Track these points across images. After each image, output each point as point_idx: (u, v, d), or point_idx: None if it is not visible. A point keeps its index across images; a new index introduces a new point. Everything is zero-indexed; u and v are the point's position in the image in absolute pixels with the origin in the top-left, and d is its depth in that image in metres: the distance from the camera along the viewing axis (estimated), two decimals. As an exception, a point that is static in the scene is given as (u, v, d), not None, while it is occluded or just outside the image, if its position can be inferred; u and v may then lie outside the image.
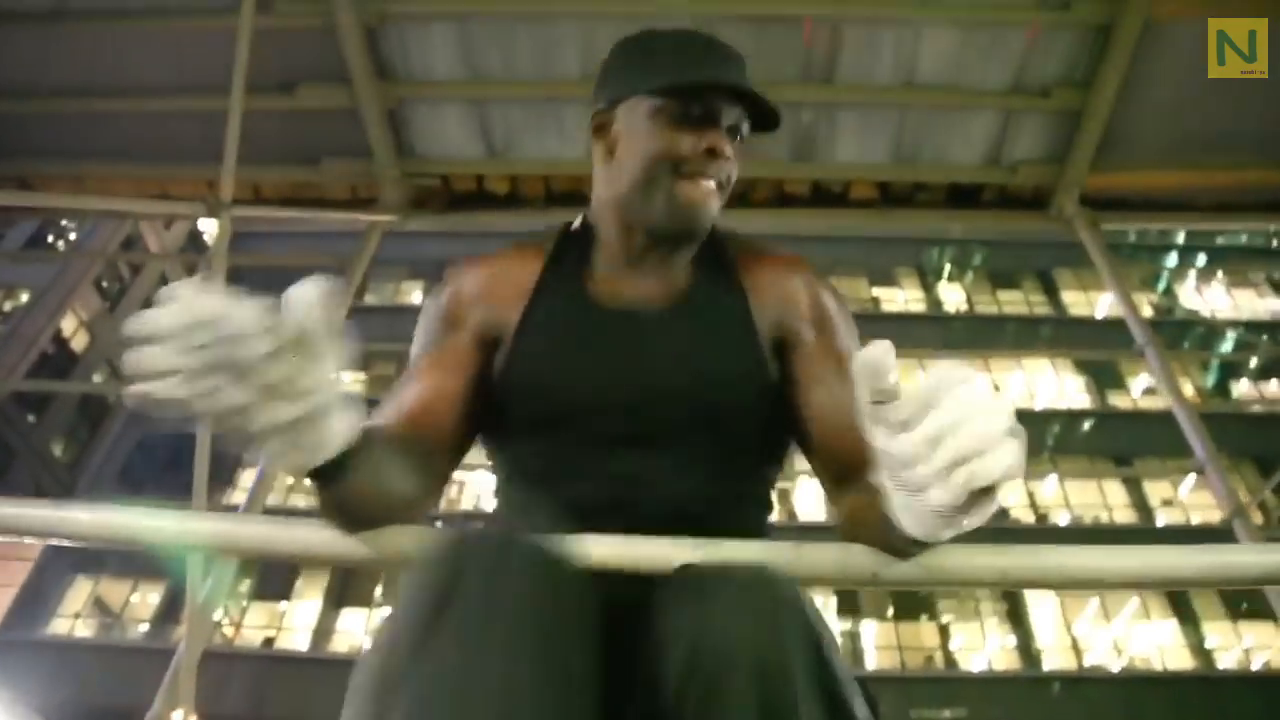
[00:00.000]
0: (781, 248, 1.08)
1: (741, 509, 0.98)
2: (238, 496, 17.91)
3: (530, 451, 0.97)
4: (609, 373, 0.94)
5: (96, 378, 20.41)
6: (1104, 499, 18.12)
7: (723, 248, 1.04)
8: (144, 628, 16.76)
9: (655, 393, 0.92)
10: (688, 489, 0.91)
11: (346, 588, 16.71)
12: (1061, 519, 18.06)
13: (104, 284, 21.41)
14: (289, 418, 0.65)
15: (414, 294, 20.04)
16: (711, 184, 0.96)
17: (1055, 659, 16.44)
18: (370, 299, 19.27)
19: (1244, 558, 0.93)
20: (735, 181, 0.99)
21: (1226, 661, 15.53)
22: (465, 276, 1.04)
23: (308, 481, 0.76)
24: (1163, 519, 17.91)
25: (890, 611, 17.19)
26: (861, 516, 0.82)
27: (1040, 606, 17.09)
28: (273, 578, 16.34)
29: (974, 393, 0.63)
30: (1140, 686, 15.31)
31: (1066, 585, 0.84)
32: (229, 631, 17.05)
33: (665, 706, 0.68)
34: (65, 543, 0.95)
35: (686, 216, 0.96)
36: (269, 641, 16.93)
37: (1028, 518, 18.17)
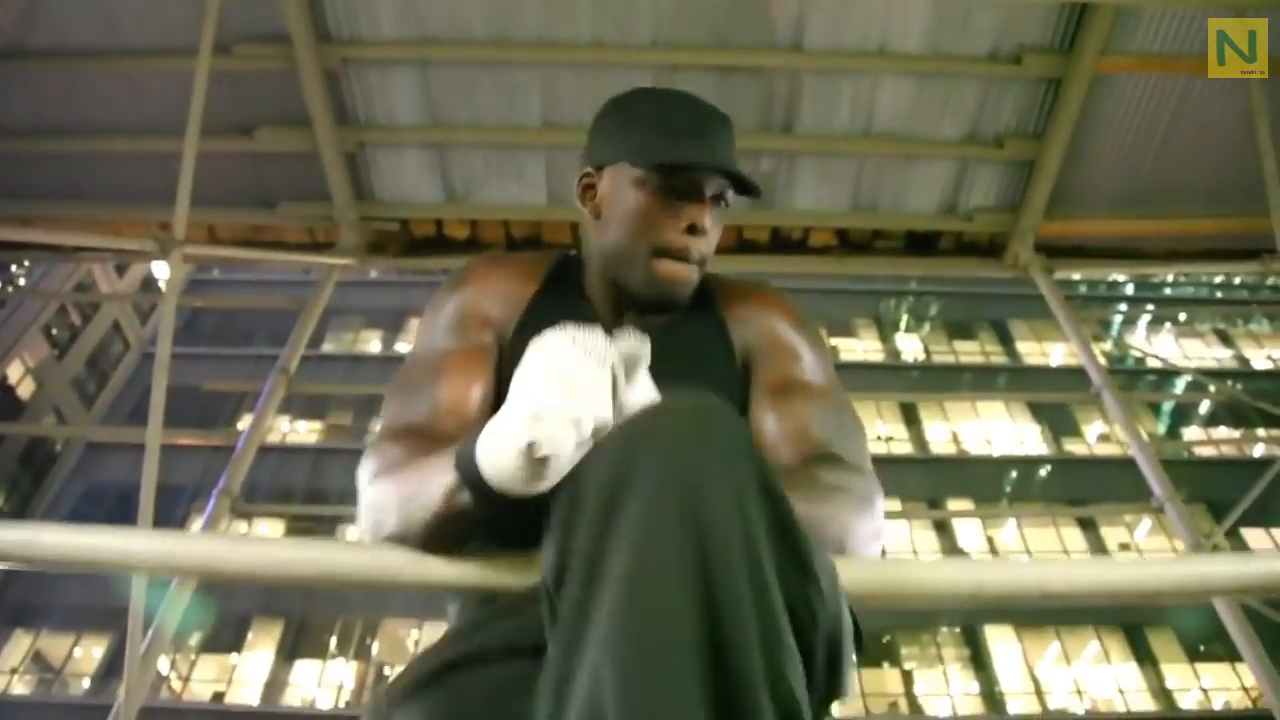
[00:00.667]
0: (757, 281, 1.14)
1: None
2: (188, 547, 17.43)
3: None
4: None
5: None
6: (1062, 543, 18.33)
7: (706, 281, 1.09)
8: (86, 683, 16.10)
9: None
10: None
11: (300, 639, 16.27)
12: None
13: (53, 331, 20.93)
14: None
15: (372, 342, 19.85)
16: (690, 266, 1.00)
17: (1019, 704, 16.45)
18: (328, 347, 19.06)
19: (1220, 567, 0.94)
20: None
21: (1188, 702, 15.65)
22: (481, 277, 1.07)
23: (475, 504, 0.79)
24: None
25: (854, 658, 17.11)
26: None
27: (1003, 649, 17.15)
28: (223, 629, 15.83)
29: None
30: (1102, 727, 15.38)
31: (1043, 597, 0.83)
32: (177, 686, 16.47)
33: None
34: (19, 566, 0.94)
35: (665, 293, 1.01)
36: (218, 696, 16.34)
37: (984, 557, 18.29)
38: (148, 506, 2.67)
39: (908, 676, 17.22)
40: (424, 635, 16.82)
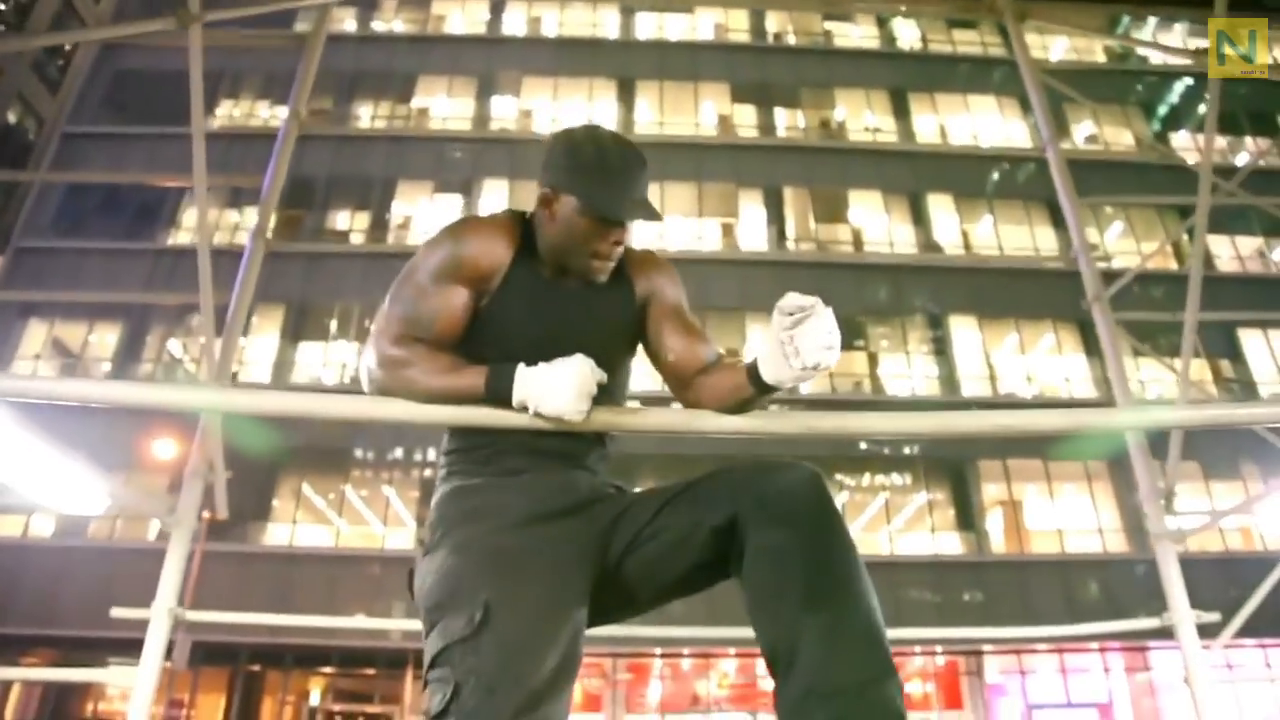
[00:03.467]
0: (648, 251, 1.68)
1: (617, 392, 1.59)
2: (181, 236, 17.72)
3: (498, 355, 1.47)
4: (550, 322, 1.53)
5: (10, 116, 19.29)
6: (1034, 243, 18.95)
7: None
8: (106, 367, 17.08)
9: (574, 332, 1.50)
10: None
11: (302, 323, 17.02)
12: (992, 257, 19.00)
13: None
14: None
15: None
16: (611, 262, 1.54)
17: (974, 386, 17.93)
18: None
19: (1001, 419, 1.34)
20: None
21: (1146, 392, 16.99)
22: (475, 233, 1.55)
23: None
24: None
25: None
26: (710, 381, 1.47)
27: (964, 337, 18.37)
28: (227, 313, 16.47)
29: (830, 316, 1.26)
30: (1045, 410, 16.81)
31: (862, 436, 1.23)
32: (191, 367, 17.51)
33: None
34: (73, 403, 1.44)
35: (596, 277, 1.55)
36: (232, 376, 17.38)
37: (961, 255, 19.06)
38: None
39: (873, 359, 18.59)
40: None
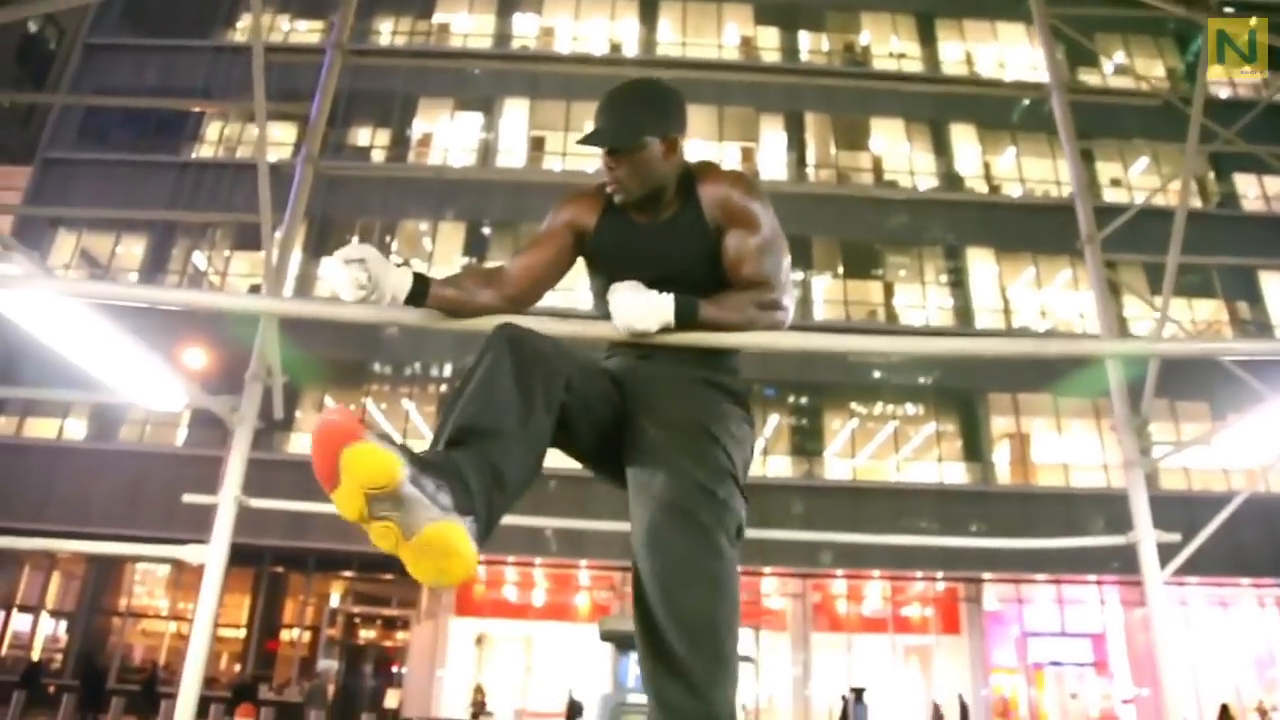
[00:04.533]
0: (719, 169, 1.89)
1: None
2: (204, 150, 17.85)
3: (604, 282, 1.86)
4: (637, 254, 1.85)
5: (32, 25, 19.30)
6: (1056, 175, 18.76)
7: (689, 176, 1.87)
8: (133, 278, 17.45)
9: (656, 262, 1.83)
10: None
11: (324, 237, 17.23)
12: (1014, 191, 18.86)
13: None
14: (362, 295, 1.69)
15: None
16: (614, 185, 1.82)
17: (987, 319, 18.00)
18: None
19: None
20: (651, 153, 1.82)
21: (1140, 329, 16.98)
22: (567, 199, 1.93)
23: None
24: (1109, 196, 18.85)
25: (840, 269, 18.44)
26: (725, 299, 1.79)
27: (981, 269, 18.36)
28: (250, 229, 16.66)
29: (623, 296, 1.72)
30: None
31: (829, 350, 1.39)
32: (215, 280, 17.84)
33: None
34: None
35: (632, 196, 1.84)
36: (254, 289, 17.77)
37: (981, 187, 18.92)
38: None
39: (889, 288, 18.65)
40: (438, 233, 17.90)
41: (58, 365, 3.10)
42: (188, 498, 3.49)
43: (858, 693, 14.24)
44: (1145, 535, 3.48)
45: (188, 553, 3.02)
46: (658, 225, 1.85)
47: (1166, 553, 3.55)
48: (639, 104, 1.81)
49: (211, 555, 2.93)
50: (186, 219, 16.95)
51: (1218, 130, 4.81)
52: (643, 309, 1.70)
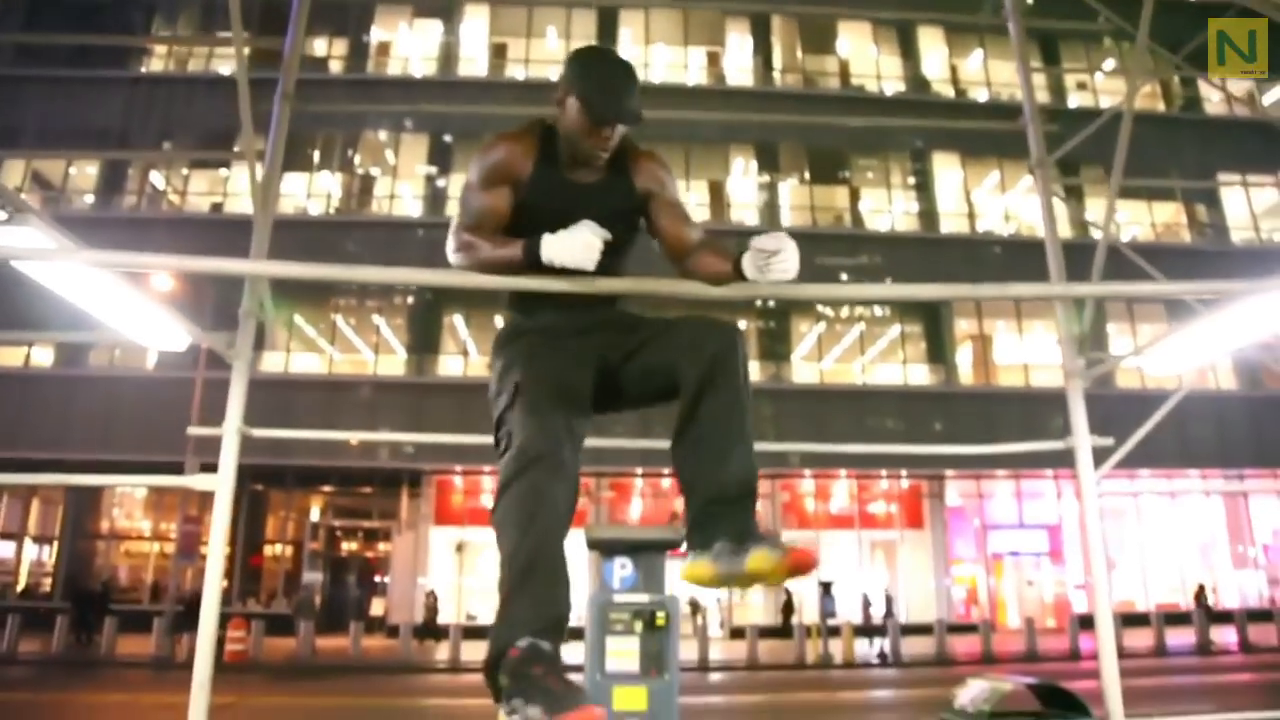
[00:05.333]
0: (645, 148, 2.10)
1: (620, 263, 2.13)
2: (154, 64, 17.23)
3: (533, 234, 1.94)
4: (570, 209, 1.95)
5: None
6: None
7: (621, 147, 2.05)
8: (89, 199, 17.06)
9: (585, 214, 1.91)
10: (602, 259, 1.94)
11: (288, 153, 16.90)
12: (980, 95, 18.83)
13: None
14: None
15: None
16: (606, 151, 1.98)
17: (951, 224, 18.21)
18: None
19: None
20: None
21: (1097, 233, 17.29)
22: (502, 146, 2.02)
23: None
24: (1074, 100, 18.95)
25: (807, 174, 18.48)
26: (702, 262, 1.96)
27: (946, 174, 18.48)
28: (209, 140, 16.26)
29: (792, 253, 1.78)
30: (1022, 249, 17.17)
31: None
32: (175, 199, 17.51)
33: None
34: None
35: (594, 160, 2.00)
36: (216, 207, 17.60)
37: (948, 91, 18.88)
38: None
39: (855, 193, 18.75)
40: (400, 144, 17.60)
41: (43, 299, 3.19)
42: (193, 430, 3.65)
43: (825, 586, 14.96)
44: (1082, 441, 3.80)
45: (199, 481, 3.20)
46: (591, 185, 2.04)
47: (1107, 454, 3.85)
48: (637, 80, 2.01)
49: (221, 484, 3.16)
50: (169, 159, 16.44)
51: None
52: (587, 249, 1.86)
